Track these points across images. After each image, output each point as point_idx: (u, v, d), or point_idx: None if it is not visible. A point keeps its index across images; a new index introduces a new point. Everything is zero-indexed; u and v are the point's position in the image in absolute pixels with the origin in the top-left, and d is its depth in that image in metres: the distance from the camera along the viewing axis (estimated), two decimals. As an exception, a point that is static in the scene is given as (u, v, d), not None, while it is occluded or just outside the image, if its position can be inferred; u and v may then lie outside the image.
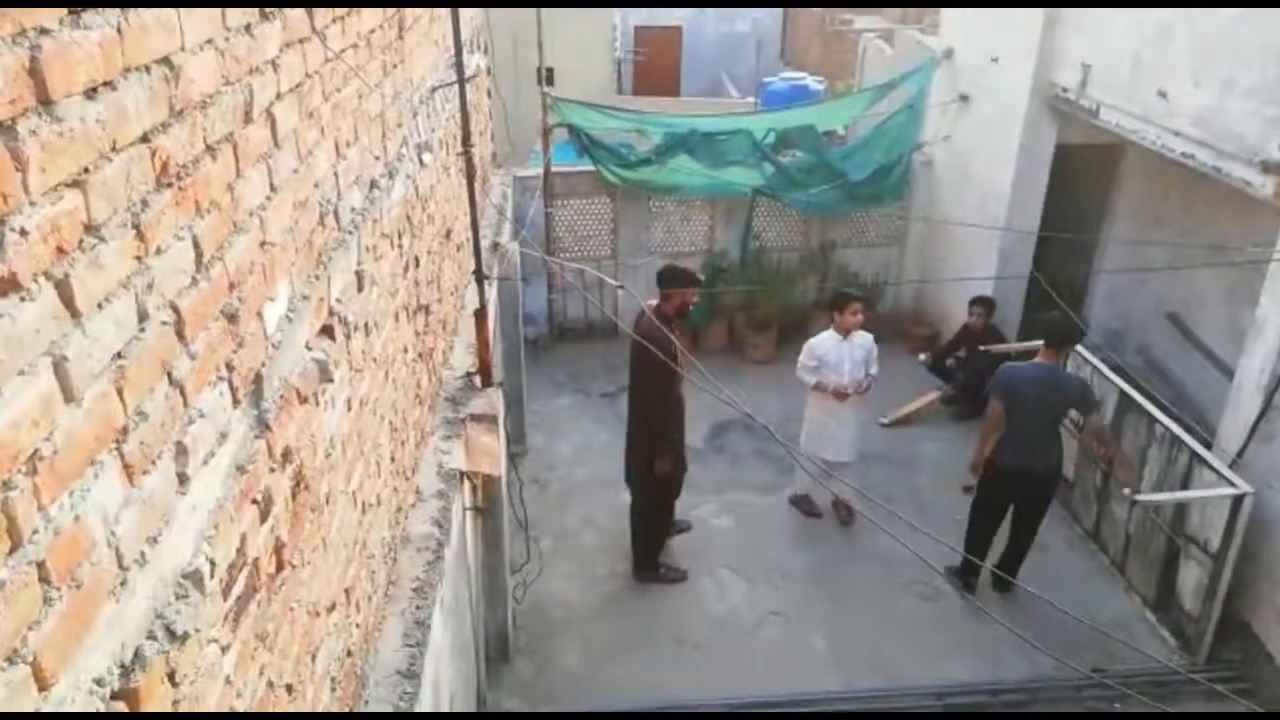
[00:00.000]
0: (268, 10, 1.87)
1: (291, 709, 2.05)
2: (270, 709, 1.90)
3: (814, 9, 18.73)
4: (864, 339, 6.16)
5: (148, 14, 1.34)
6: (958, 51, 8.43)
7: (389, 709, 2.75)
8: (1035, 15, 6.99)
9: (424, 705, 2.91)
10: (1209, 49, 5.41)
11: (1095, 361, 6.16)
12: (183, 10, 1.46)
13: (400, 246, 3.35)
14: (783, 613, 5.71)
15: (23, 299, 1.05)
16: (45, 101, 1.09)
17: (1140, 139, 6.11)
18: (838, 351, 6.10)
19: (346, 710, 2.55)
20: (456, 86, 4.07)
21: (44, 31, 1.08)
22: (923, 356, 8.22)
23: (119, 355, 1.28)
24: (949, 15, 8.84)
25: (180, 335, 1.47)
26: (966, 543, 5.72)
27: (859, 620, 5.65)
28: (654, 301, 5.46)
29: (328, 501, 2.33)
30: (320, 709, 2.30)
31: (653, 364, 4.92)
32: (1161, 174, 7.09)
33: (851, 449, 6.34)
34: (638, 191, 8.61)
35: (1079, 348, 6.22)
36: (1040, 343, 5.56)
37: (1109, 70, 6.36)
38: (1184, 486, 5.28)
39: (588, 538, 6.35)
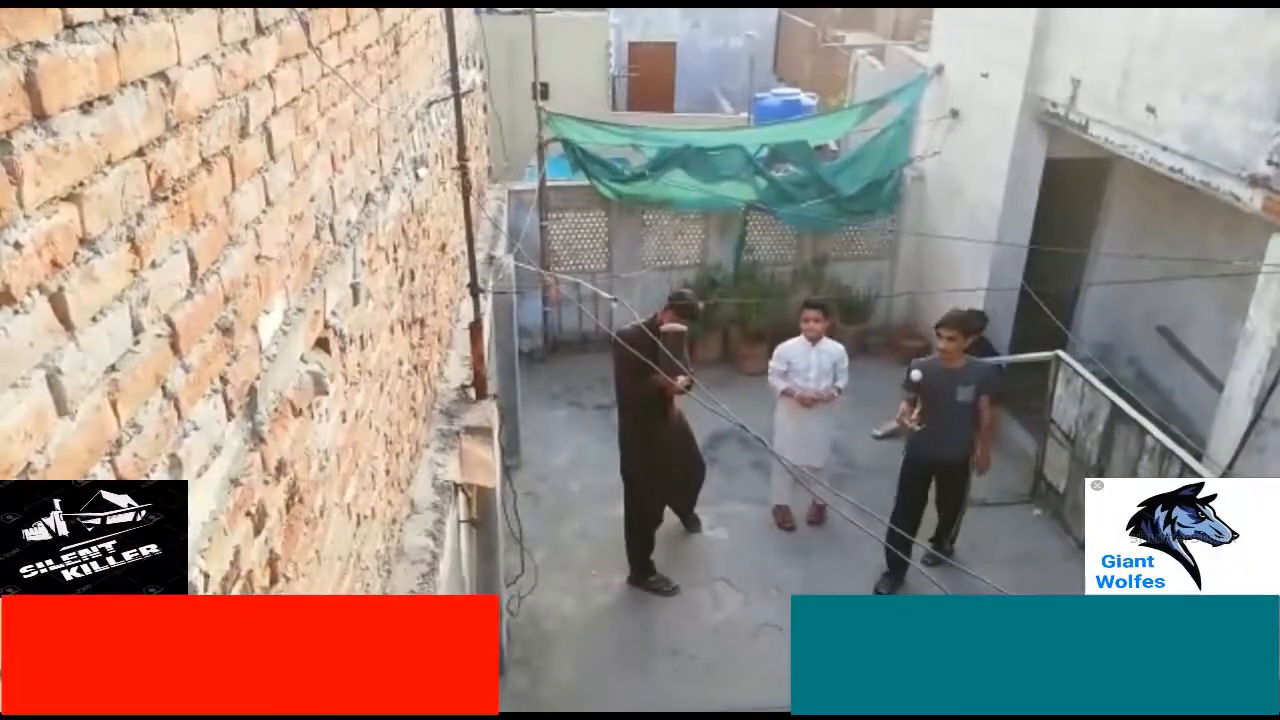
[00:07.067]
0: (264, 26, 1.88)
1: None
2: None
3: (807, 26, 18.88)
4: (832, 348, 6.22)
5: (144, 29, 1.35)
6: (948, 68, 8.49)
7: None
8: (1025, 31, 7.05)
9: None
10: (1197, 64, 5.45)
11: (1085, 374, 6.19)
12: (180, 26, 1.47)
13: (395, 260, 3.36)
14: (778, 624, 5.70)
15: (16, 312, 1.06)
16: (40, 116, 1.10)
17: (1129, 153, 6.15)
18: (805, 358, 6.20)
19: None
20: (452, 102, 4.09)
21: (39, 46, 1.09)
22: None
23: (113, 368, 1.28)
24: (940, 32, 8.92)
25: (174, 348, 1.47)
26: (890, 537, 5.57)
27: (853, 633, 5.63)
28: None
29: (322, 514, 2.33)
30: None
31: (624, 364, 5.12)
32: (1150, 188, 7.14)
33: (821, 453, 6.42)
34: (632, 206, 8.64)
35: (1070, 360, 6.24)
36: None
37: (1098, 85, 6.42)
38: (1176, 498, 5.28)
39: (582, 550, 6.34)
